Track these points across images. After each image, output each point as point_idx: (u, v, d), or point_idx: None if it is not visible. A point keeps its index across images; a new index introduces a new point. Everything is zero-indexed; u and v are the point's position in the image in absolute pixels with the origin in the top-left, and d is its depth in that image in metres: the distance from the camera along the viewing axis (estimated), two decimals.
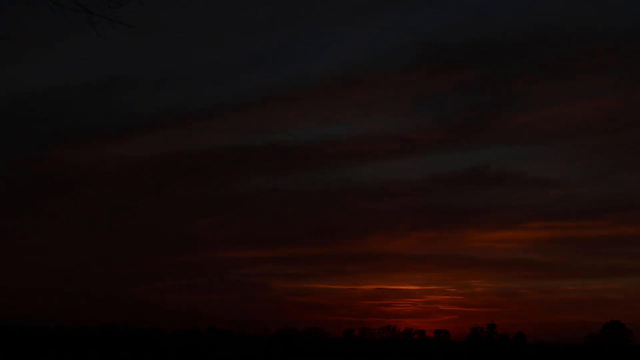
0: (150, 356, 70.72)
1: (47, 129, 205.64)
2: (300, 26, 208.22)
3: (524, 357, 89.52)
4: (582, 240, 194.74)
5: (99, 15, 13.92)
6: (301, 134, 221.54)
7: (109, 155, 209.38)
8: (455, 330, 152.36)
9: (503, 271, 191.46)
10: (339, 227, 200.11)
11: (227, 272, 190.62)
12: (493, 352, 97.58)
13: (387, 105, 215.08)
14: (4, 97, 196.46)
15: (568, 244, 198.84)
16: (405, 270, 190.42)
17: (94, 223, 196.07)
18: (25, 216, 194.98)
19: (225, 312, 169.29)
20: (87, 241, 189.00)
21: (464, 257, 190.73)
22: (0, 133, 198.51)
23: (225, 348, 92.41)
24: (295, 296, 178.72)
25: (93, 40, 15.15)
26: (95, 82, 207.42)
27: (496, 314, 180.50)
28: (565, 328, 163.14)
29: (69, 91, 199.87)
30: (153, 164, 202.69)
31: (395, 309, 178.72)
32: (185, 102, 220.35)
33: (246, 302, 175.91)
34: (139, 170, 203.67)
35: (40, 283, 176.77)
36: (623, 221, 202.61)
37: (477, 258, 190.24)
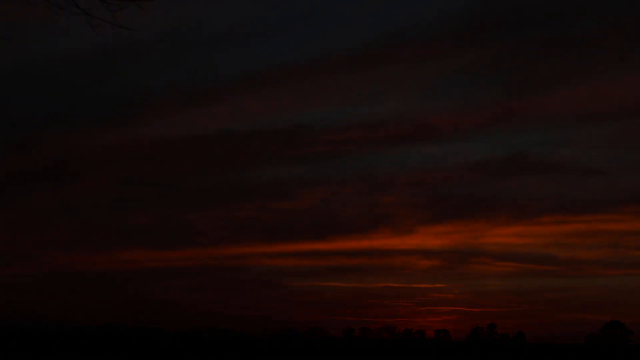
0: (151, 356, 70.67)
1: (32, 111, 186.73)
2: None
3: (524, 357, 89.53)
4: (615, 233, 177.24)
5: (98, 18, 13.92)
6: (309, 118, 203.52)
7: (105, 140, 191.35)
8: (456, 330, 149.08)
9: (519, 268, 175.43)
10: (351, 220, 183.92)
11: (229, 270, 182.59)
12: (493, 352, 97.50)
13: (406, 84, 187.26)
14: None
15: (598, 238, 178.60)
16: (418, 266, 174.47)
17: (90, 217, 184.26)
18: (15, 209, 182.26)
19: (226, 311, 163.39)
20: (83, 237, 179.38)
21: (479, 252, 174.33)
22: None
23: (225, 348, 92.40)
24: (303, 295, 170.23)
25: None
26: (89, 54, 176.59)
27: (502, 314, 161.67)
28: (565, 328, 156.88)
29: (59, 64, 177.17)
30: (150, 151, 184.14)
31: (400, 308, 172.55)
32: (185, 81, 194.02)
33: (248, 301, 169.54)
34: (137, 159, 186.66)
35: (38, 281, 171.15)
36: None
37: (495, 253, 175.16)
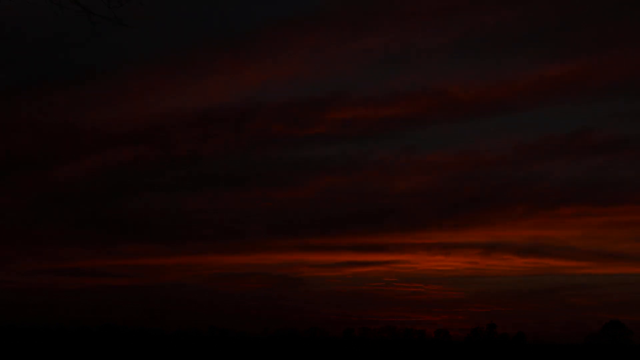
0: (151, 356, 70.66)
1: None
2: None
3: (524, 357, 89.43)
4: None
5: (99, 15, 13.91)
6: (311, 92, 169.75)
7: (88, 120, 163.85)
8: (456, 330, 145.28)
9: (541, 264, 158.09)
10: (358, 212, 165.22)
11: (227, 266, 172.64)
12: (493, 352, 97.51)
13: (424, 47, 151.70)
14: None
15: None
16: (429, 263, 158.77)
17: (81, 207, 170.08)
18: None
19: (226, 311, 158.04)
20: (75, 230, 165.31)
21: (501, 246, 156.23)
22: None
23: (225, 348, 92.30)
24: (303, 294, 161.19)
25: None
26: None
27: (505, 314, 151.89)
28: (565, 328, 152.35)
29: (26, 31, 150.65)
30: (140, 133, 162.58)
31: (402, 307, 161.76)
32: (172, 47, 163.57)
33: (248, 299, 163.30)
34: (126, 141, 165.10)
35: (35, 280, 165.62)
36: None
37: (518, 248, 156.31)
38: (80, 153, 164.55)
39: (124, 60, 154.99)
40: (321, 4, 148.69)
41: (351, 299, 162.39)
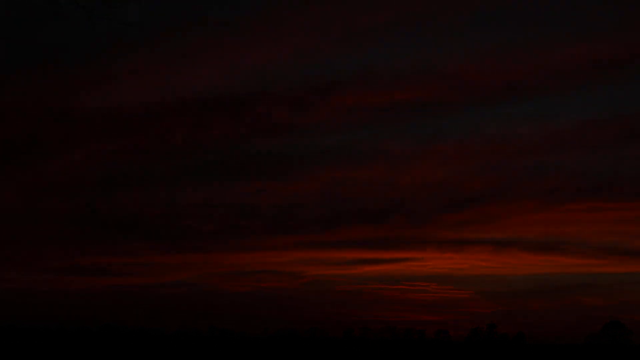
0: (151, 356, 70.67)
1: None
2: None
3: (524, 357, 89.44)
4: None
5: (99, 14, 13.94)
6: (308, 75, 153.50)
7: (80, 109, 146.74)
8: (456, 330, 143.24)
9: (553, 262, 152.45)
10: (362, 207, 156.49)
11: (226, 265, 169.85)
12: (492, 353, 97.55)
13: (434, 23, 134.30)
14: None
15: None
16: (444, 260, 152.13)
17: (73, 202, 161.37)
18: None
19: (226, 311, 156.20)
20: (70, 226, 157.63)
21: (511, 243, 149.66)
22: None
23: (225, 348, 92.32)
24: (302, 293, 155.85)
25: None
26: None
27: (505, 314, 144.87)
28: (566, 328, 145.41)
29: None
30: (135, 120, 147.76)
31: (405, 307, 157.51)
32: (165, 32, 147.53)
33: (247, 299, 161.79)
34: (120, 131, 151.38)
35: (35, 280, 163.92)
36: None
37: (530, 245, 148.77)
38: (72, 145, 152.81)
39: (117, 44, 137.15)
40: None
41: (354, 298, 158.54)
